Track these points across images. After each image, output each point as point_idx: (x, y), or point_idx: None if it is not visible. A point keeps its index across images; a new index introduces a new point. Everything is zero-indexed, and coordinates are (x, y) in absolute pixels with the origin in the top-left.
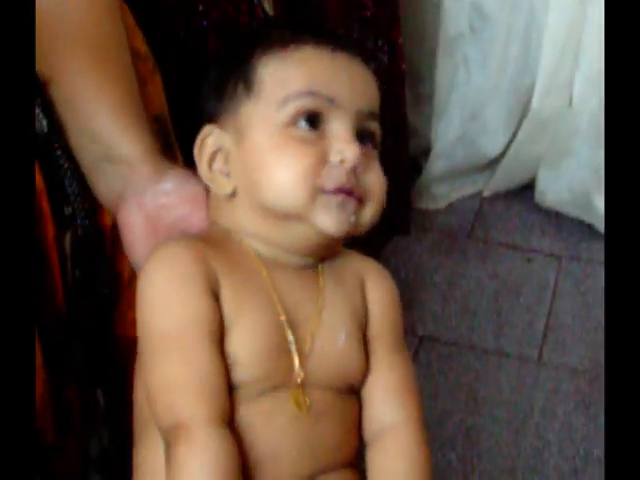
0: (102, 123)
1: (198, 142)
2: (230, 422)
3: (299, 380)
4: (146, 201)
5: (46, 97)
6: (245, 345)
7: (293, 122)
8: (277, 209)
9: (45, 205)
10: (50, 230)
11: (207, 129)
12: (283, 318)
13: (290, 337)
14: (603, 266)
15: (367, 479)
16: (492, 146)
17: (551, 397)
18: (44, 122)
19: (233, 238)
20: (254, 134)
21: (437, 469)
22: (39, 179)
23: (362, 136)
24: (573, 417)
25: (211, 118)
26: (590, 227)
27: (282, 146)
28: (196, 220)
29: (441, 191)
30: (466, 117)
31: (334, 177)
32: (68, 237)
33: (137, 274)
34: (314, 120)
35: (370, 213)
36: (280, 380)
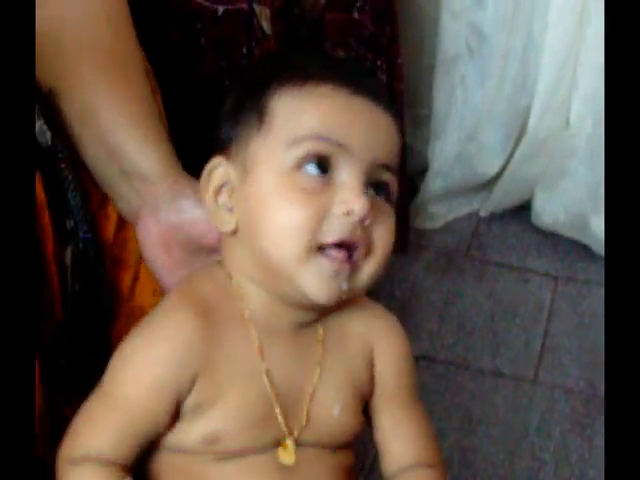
0: (120, 138)
1: (205, 173)
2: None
3: (289, 443)
4: (160, 219)
5: (50, 109)
6: (228, 421)
7: (300, 166)
8: (270, 260)
9: (46, 218)
10: (50, 243)
11: (215, 161)
12: (272, 392)
13: (278, 411)
14: (599, 287)
15: None
16: (489, 166)
17: (547, 418)
18: (48, 134)
19: (232, 286)
20: (259, 172)
21: None
22: (40, 192)
23: (376, 187)
24: (569, 438)
25: (222, 147)
26: (586, 248)
27: (284, 193)
28: (207, 242)
29: (438, 210)
30: (463, 137)
31: (335, 229)
32: (69, 250)
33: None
34: (323, 165)
35: (371, 270)
36: (267, 445)
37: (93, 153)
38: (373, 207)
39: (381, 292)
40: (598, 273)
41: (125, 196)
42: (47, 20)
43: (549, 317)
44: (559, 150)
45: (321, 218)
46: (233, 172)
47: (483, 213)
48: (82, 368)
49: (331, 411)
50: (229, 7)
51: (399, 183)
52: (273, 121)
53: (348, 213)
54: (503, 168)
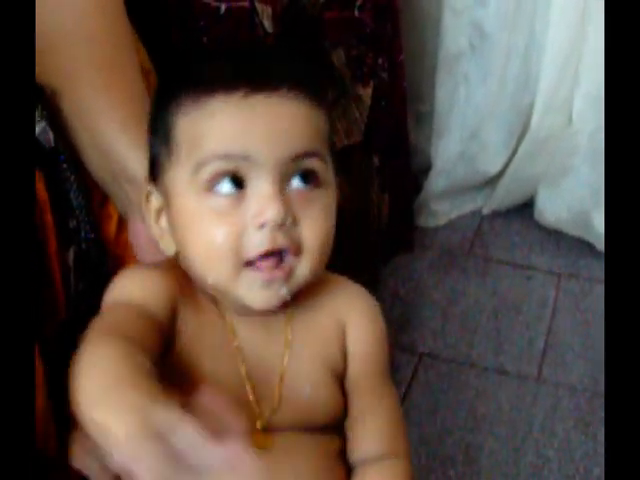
0: (113, 141)
1: (143, 199)
2: None
3: (260, 426)
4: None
5: (53, 109)
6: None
7: (210, 188)
8: (206, 280)
9: (49, 218)
10: (53, 243)
11: (148, 188)
12: (243, 369)
13: (248, 389)
14: (602, 284)
15: None
16: (492, 164)
17: (551, 415)
18: (51, 135)
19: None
20: (177, 201)
21: None
22: (43, 192)
23: (302, 177)
24: (573, 435)
25: (152, 168)
26: (589, 245)
27: (200, 217)
28: None
29: (441, 208)
30: (466, 135)
31: (255, 243)
32: (72, 251)
33: None
34: (235, 179)
35: (306, 267)
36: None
37: (89, 154)
38: (299, 199)
39: (385, 290)
40: (601, 270)
41: (118, 198)
42: (43, 19)
43: (552, 314)
44: (561, 148)
45: (239, 236)
46: (161, 198)
47: (486, 211)
48: None
49: (302, 391)
50: (231, 5)
51: (335, 161)
52: (177, 148)
53: (263, 225)
54: (506, 166)
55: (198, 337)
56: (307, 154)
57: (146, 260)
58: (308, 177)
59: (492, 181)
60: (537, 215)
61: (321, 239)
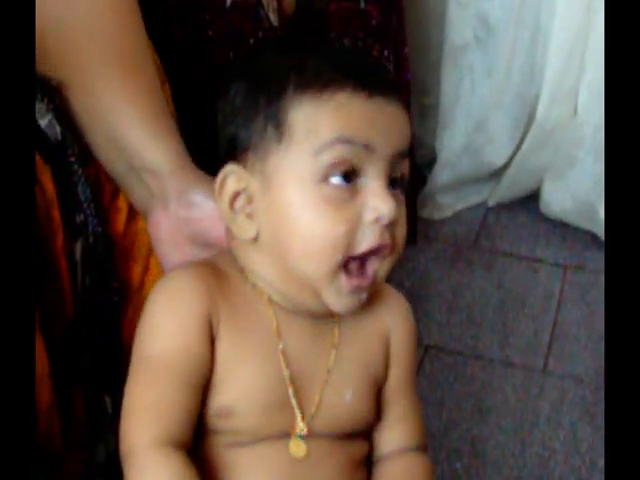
0: (130, 132)
1: (219, 181)
2: (200, 454)
3: (299, 432)
4: (169, 213)
5: (59, 103)
6: (242, 398)
7: (326, 176)
8: (297, 274)
9: (56, 213)
10: (60, 237)
11: (229, 168)
12: (286, 373)
13: (291, 393)
14: None
15: None
16: (497, 156)
17: (557, 407)
18: (57, 129)
19: (246, 277)
20: (284, 186)
21: (443, 479)
22: (50, 186)
23: (394, 181)
24: (579, 427)
25: (232, 151)
26: (595, 237)
27: (315, 208)
28: (214, 237)
29: (446, 201)
30: (471, 127)
31: (368, 238)
32: (79, 244)
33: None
34: (348, 173)
35: (387, 269)
36: (279, 432)
37: (104, 147)
38: (395, 200)
39: (390, 282)
40: None
41: (135, 190)
42: (57, 15)
43: (558, 306)
44: (567, 139)
45: (354, 230)
46: (253, 182)
47: (491, 203)
48: (92, 360)
49: (343, 396)
50: None
51: (409, 162)
52: (294, 133)
53: (378, 219)
54: (511, 158)
55: (239, 340)
56: (406, 155)
57: (164, 252)
58: (398, 182)
59: (497, 173)
60: (543, 207)
61: (404, 241)
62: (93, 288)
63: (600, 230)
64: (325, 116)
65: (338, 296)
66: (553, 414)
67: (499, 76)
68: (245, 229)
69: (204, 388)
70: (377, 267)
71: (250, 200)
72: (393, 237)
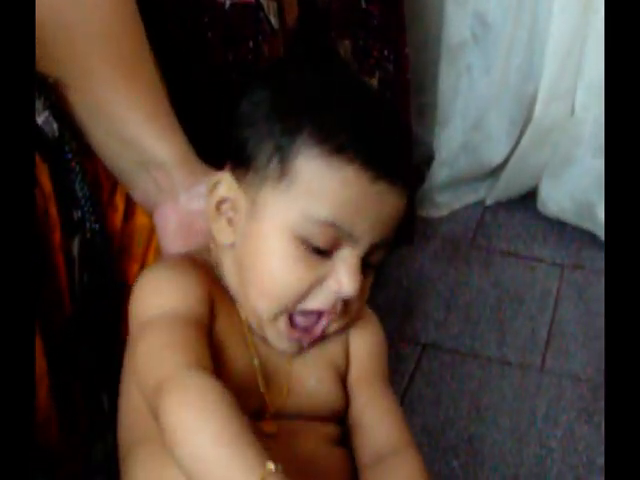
0: (136, 129)
1: (212, 182)
2: None
3: (267, 415)
4: (179, 206)
5: (57, 100)
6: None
7: (307, 240)
8: (248, 300)
9: (53, 209)
10: (57, 234)
11: (225, 177)
12: (256, 362)
13: (260, 380)
14: None
15: None
16: (494, 154)
17: (554, 405)
18: (54, 125)
19: (220, 276)
20: (266, 226)
21: (439, 477)
22: (47, 183)
23: (367, 261)
24: (576, 425)
25: (239, 154)
26: (592, 235)
27: (286, 261)
28: None
29: (444, 199)
30: (469, 125)
31: (320, 299)
32: (76, 241)
33: None
34: (327, 247)
35: (337, 327)
36: (251, 413)
37: (107, 144)
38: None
39: (388, 281)
40: (604, 260)
41: (141, 186)
42: (57, 12)
43: (556, 305)
44: (565, 138)
45: (313, 288)
46: (242, 200)
47: (489, 202)
48: (90, 357)
49: (307, 383)
50: (237, 0)
51: (391, 242)
52: (295, 181)
53: (338, 292)
54: (509, 156)
55: (224, 327)
56: (388, 243)
57: (171, 246)
58: (372, 264)
59: (495, 172)
60: (540, 206)
61: (360, 312)
62: (91, 285)
63: (598, 229)
64: (329, 188)
65: (278, 338)
66: (550, 412)
67: (497, 74)
68: (224, 234)
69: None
70: (326, 326)
71: (235, 210)
72: (345, 308)
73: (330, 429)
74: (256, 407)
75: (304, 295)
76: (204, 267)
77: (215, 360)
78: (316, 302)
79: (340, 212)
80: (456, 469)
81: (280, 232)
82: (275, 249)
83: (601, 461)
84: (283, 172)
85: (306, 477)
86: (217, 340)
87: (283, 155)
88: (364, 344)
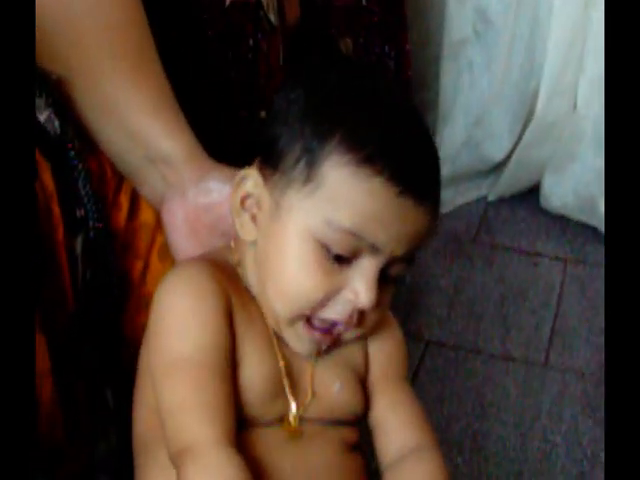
0: (142, 124)
1: (240, 175)
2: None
3: (292, 418)
4: (187, 201)
5: (59, 98)
6: (245, 388)
7: (328, 246)
8: (268, 299)
9: (55, 207)
10: (60, 232)
11: (252, 173)
12: (282, 364)
13: (286, 383)
14: None
15: None
16: (497, 150)
17: (558, 400)
18: (56, 123)
19: (241, 275)
20: (289, 228)
21: None
22: (50, 182)
23: (387, 273)
24: (580, 420)
25: (268, 152)
26: (595, 230)
27: (305, 265)
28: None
29: (446, 196)
30: (471, 122)
31: (337, 310)
32: (79, 239)
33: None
34: (349, 253)
35: (354, 336)
36: (275, 418)
37: (114, 141)
38: (379, 294)
39: None
40: None
41: (149, 181)
42: (62, 10)
43: (559, 300)
44: (567, 134)
45: (330, 298)
46: (266, 199)
47: (491, 197)
48: (94, 354)
49: (332, 388)
50: None
51: (414, 257)
52: (321, 185)
53: (354, 302)
54: (511, 152)
55: (245, 332)
56: (411, 258)
57: (178, 241)
58: (392, 279)
59: (497, 167)
60: (543, 201)
61: (379, 321)
62: (94, 282)
63: (600, 224)
64: (354, 198)
65: (297, 339)
66: (554, 408)
67: (498, 71)
68: (247, 230)
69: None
70: (343, 331)
71: (259, 207)
72: (362, 319)
73: (348, 433)
74: (281, 410)
75: (321, 303)
76: (224, 269)
77: (241, 363)
78: (332, 312)
79: (362, 222)
80: (460, 465)
81: (301, 236)
82: (295, 252)
83: (604, 455)
84: (309, 176)
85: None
86: (241, 344)
87: (311, 159)
88: (383, 346)
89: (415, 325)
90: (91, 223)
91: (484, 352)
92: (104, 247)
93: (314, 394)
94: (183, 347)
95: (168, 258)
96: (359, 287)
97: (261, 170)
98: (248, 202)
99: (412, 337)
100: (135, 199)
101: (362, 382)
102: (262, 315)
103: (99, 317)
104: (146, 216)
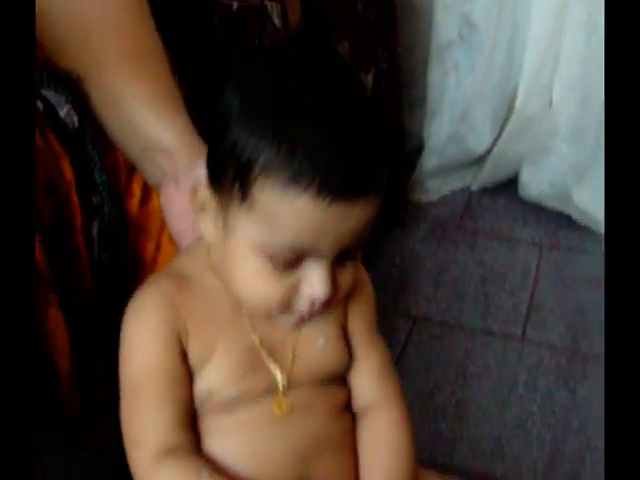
0: (141, 116)
1: (193, 189)
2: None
3: (281, 387)
4: (183, 186)
5: (79, 95)
6: (218, 376)
7: (274, 259)
8: (240, 300)
9: (74, 196)
10: (78, 218)
11: (204, 191)
12: (256, 338)
13: (264, 353)
14: (581, 254)
15: (358, 452)
16: (479, 144)
17: (533, 372)
18: (75, 118)
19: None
20: (237, 240)
21: (429, 438)
22: (69, 171)
23: (342, 258)
24: (554, 390)
25: (208, 169)
26: (569, 218)
27: (257, 275)
28: None
29: (433, 185)
30: (456, 118)
31: (301, 305)
32: (96, 224)
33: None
34: (293, 262)
35: (332, 306)
36: (261, 391)
37: (119, 132)
38: (338, 269)
39: (382, 261)
40: (579, 241)
41: (149, 170)
42: (72, 11)
43: (535, 281)
44: (543, 129)
45: (290, 297)
46: (216, 212)
47: (474, 187)
48: (110, 330)
49: (316, 342)
50: (243, 3)
51: (364, 238)
52: (253, 209)
53: (311, 297)
54: (492, 146)
55: (207, 334)
56: (358, 244)
57: (176, 226)
58: (346, 259)
59: (480, 160)
60: (521, 190)
61: (346, 293)
62: (109, 263)
63: (573, 211)
64: (285, 217)
65: (282, 320)
66: (530, 379)
67: (481, 71)
68: (208, 232)
69: (188, 388)
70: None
71: (214, 216)
72: (328, 302)
73: (338, 395)
74: (267, 380)
75: (284, 302)
76: (182, 278)
77: (212, 359)
78: (299, 307)
79: (298, 238)
80: (444, 430)
81: (247, 251)
82: (245, 266)
83: (577, 423)
84: (244, 196)
85: (320, 449)
86: (208, 338)
87: (243, 179)
88: (357, 302)
89: (404, 303)
90: (106, 209)
91: (466, 327)
92: (118, 231)
93: (296, 356)
94: (131, 367)
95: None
96: (312, 283)
97: (209, 183)
98: (207, 209)
99: (401, 313)
100: (147, 187)
101: (345, 335)
102: (228, 299)
103: (114, 295)
104: (157, 202)
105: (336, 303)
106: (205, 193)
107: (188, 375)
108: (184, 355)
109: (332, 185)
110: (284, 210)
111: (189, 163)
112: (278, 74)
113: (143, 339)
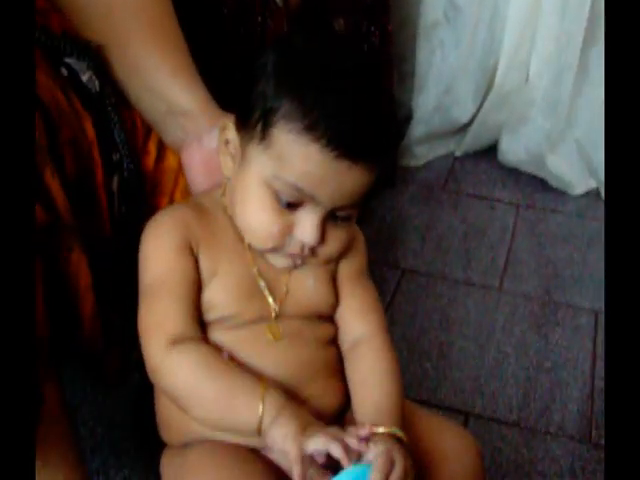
0: (165, 83)
1: (222, 124)
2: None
3: (273, 314)
4: (203, 146)
5: (100, 62)
6: (219, 291)
7: (277, 194)
8: (242, 231)
9: (96, 152)
10: (100, 173)
11: (230, 125)
12: (255, 269)
13: (261, 283)
14: (553, 213)
15: (349, 386)
16: (462, 114)
17: (510, 319)
18: (96, 83)
19: (225, 208)
20: (250, 173)
21: (415, 377)
22: (91, 131)
23: (335, 215)
24: (527, 335)
25: (239, 110)
26: (543, 181)
27: (262, 204)
28: None
29: (420, 151)
30: (441, 90)
31: (292, 247)
32: (115, 179)
33: None
34: (294, 202)
35: (319, 262)
36: (256, 315)
37: (142, 98)
38: (329, 229)
39: (373, 219)
40: (552, 201)
41: (171, 131)
42: None
43: (512, 237)
44: (520, 101)
45: (285, 235)
46: (238, 146)
47: (458, 153)
48: (129, 277)
49: (306, 282)
50: None
51: (361, 206)
52: (270, 147)
53: (301, 240)
54: (474, 116)
55: (216, 252)
56: (352, 205)
57: (196, 180)
58: (340, 218)
59: (463, 128)
60: (500, 157)
61: (336, 252)
62: (128, 215)
63: (547, 175)
64: (296, 160)
65: (272, 259)
66: (507, 325)
67: (464, 48)
68: (227, 167)
69: (197, 292)
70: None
71: (235, 151)
72: (318, 250)
73: (324, 330)
74: (261, 308)
75: (280, 237)
76: (201, 207)
77: (216, 274)
78: (291, 248)
79: (303, 180)
80: (429, 370)
81: (257, 183)
82: (253, 195)
83: (547, 364)
84: (264, 135)
85: (307, 377)
86: (212, 261)
87: (266, 121)
88: (348, 251)
89: (393, 256)
90: (125, 165)
91: (449, 278)
92: (136, 186)
93: (289, 291)
94: (146, 274)
95: (189, 196)
96: (304, 228)
97: (236, 122)
98: (229, 145)
99: (390, 266)
100: (162, 146)
101: (333, 279)
102: (237, 236)
103: (132, 243)
104: (171, 161)
105: (329, 259)
106: (231, 130)
107: (199, 282)
108: (196, 263)
109: (339, 142)
110: (296, 153)
111: (210, 123)
112: (308, 47)
113: (161, 243)
